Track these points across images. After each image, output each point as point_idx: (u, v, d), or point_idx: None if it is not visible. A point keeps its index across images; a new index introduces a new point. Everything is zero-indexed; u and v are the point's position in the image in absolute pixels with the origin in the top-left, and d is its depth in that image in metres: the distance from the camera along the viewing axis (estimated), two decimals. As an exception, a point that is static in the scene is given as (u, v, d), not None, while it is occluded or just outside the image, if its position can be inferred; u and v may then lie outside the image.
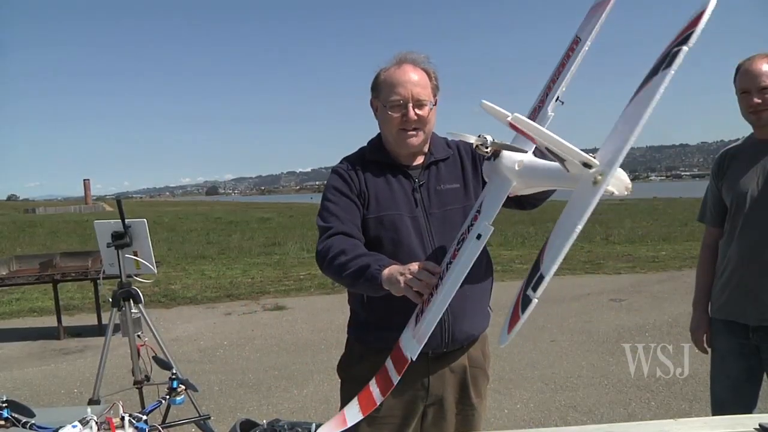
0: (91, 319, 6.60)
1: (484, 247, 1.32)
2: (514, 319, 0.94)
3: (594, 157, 0.92)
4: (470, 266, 1.20)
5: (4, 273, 6.30)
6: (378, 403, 1.27)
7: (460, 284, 1.19)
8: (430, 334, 1.19)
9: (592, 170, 0.91)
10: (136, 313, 3.28)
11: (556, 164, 1.03)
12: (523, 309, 0.92)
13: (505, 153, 1.32)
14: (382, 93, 1.67)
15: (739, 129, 2.36)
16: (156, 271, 3.49)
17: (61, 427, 1.34)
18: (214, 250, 14.02)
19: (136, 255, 3.36)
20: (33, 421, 1.44)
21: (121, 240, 3.25)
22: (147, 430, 1.44)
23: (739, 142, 2.25)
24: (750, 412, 2.05)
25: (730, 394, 2.19)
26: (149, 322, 3.33)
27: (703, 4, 0.85)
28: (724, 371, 2.20)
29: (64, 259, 6.66)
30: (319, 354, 5.24)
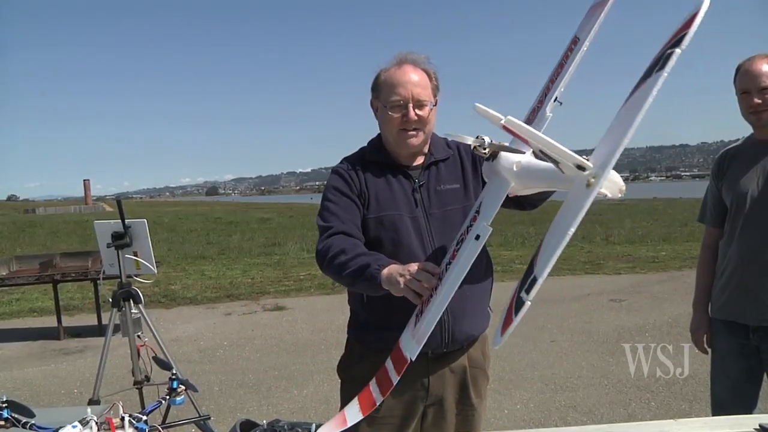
0: (91, 320, 6.60)
1: (484, 248, 1.32)
2: (507, 321, 0.94)
3: (588, 160, 0.92)
4: (469, 267, 1.20)
5: (4, 273, 6.31)
6: (378, 404, 1.27)
7: (459, 285, 1.19)
8: (429, 334, 1.19)
9: (586, 173, 0.91)
10: (136, 313, 3.28)
11: (552, 166, 1.04)
12: (516, 311, 0.92)
13: (504, 154, 1.32)
14: (383, 93, 1.67)
15: (739, 129, 2.35)
16: (156, 272, 3.49)
17: (61, 428, 1.34)
18: (214, 251, 14.03)
19: (136, 255, 3.37)
20: (33, 422, 1.44)
21: (121, 240, 3.25)
22: (147, 430, 1.44)
23: (739, 142, 2.25)
24: (750, 413, 2.05)
25: (730, 394, 2.19)
26: (149, 323, 3.33)
27: (696, 5, 0.85)
28: (724, 371, 2.20)
29: (64, 259, 6.67)
30: (319, 354, 5.23)
